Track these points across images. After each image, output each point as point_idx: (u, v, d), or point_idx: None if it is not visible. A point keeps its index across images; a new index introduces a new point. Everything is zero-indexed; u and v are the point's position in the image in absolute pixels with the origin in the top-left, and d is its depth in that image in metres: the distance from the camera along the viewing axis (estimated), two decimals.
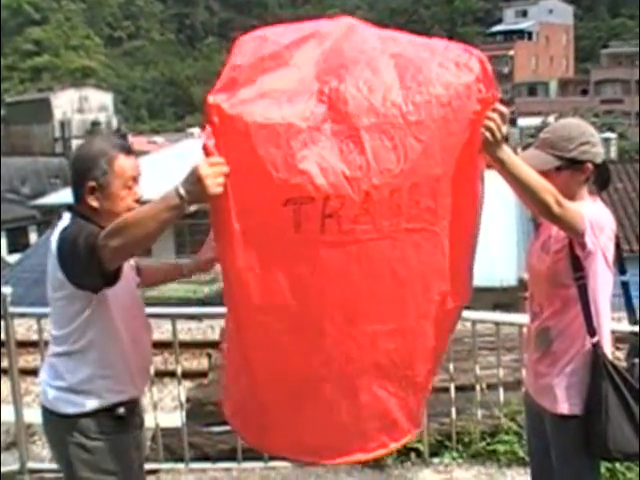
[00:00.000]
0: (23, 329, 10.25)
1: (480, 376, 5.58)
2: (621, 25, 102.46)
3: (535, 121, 51.71)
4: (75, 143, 63.30)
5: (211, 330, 13.17)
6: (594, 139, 3.38)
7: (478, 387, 5.55)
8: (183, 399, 5.72)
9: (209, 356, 8.99)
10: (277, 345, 3.03)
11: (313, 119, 2.83)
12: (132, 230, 2.89)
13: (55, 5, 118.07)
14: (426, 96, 2.90)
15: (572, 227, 3.17)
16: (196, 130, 68.79)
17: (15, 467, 5.51)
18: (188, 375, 8.66)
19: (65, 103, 77.53)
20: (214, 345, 9.55)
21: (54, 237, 3.28)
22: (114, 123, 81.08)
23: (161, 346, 10.12)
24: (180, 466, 5.48)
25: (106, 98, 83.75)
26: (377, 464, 5.31)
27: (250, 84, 2.88)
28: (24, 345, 8.38)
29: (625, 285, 3.58)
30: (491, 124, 2.93)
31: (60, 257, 3.19)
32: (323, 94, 2.88)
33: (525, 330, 5.62)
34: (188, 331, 13.08)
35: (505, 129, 2.97)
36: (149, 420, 5.56)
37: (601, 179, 3.42)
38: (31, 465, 5.40)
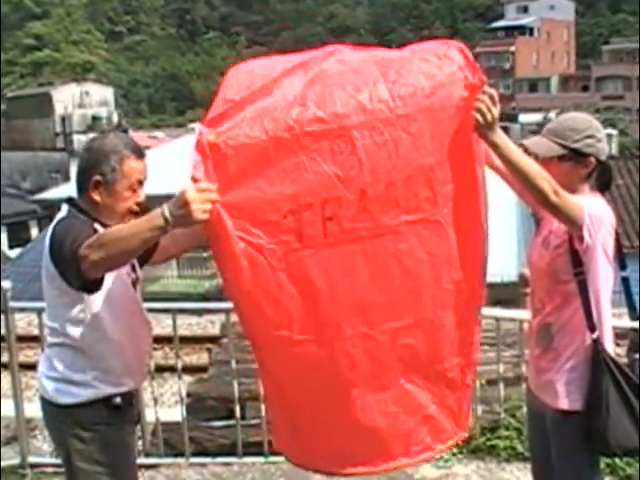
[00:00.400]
0: (23, 323, 10.24)
1: (480, 371, 5.57)
2: (622, 21, 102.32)
3: (536, 117, 51.68)
4: (76, 138, 63.45)
5: (211, 325, 13.20)
6: (600, 135, 3.36)
7: (478, 382, 5.55)
8: (183, 394, 5.73)
9: (209, 351, 9.01)
10: (300, 358, 3.05)
11: (298, 126, 2.84)
12: (113, 245, 2.91)
13: (56, 0, 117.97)
14: (411, 88, 2.93)
15: (570, 218, 3.17)
16: (197, 125, 68.59)
17: (16, 461, 5.53)
18: (188, 370, 8.66)
19: (66, 98, 77.38)
20: (214, 340, 9.55)
21: (50, 228, 3.31)
22: (115, 118, 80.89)
23: (161, 341, 10.14)
24: (180, 461, 5.49)
25: (107, 93, 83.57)
26: None
27: (237, 114, 2.88)
28: (24, 340, 8.39)
29: (625, 281, 3.57)
30: (481, 106, 2.95)
31: (50, 251, 3.21)
32: (307, 99, 2.89)
33: (526, 326, 5.64)
34: (188, 326, 13.11)
35: (496, 111, 2.98)
36: (150, 415, 5.60)
37: (603, 179, 3.41)
38: (32, 459, 5.41)
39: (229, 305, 3.98)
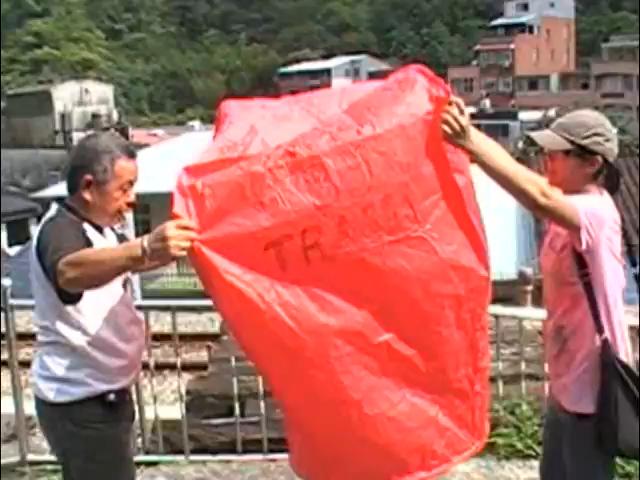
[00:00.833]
0: (23, 321, 10.23)
1: None
2: (622, 19, 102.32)
3: (536, 115, 51.67)
4: (76, 136, 63.28)
5: (211, 323, 13.22)
6: (609, 135, 3.32)
7: None
8: (183, 391, 5.74)
9: (209, 348, 9.01)
10: (306, 383, 3.08)
11: (273, 160, 2.89)
12: (90, 268, 2.95)
13: None
14: (377, 112, 2.99)
15: (564, 219, 3.15)
16: (197, 123, 68.67)
17: (15, 459, 5.53)
18: (188, 367, 8.67)
19: (66, 95, 77.40)
20: (214, 337, 9.56)
21: (38, 227, 3.34)
22: (115, 116, 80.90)
23: (161, 338, 10.18)
24: (180, 458, 5.49)
25: (107, 91, 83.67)
26: None
27: (224, 168, 2.92)
28: (24, 337, 8.37)
29: (637, 278, 3.50)
30: (447, 117, 2.97)
31: (37, 252, 3.24)
32: (280, 140, 2.94)
33: (525, 323, 5.65)
34: (188, 323, 13.12)
35: (464, 120, 2.99)
36: (149, 412, 5.60)
37: (610, 181, 3.37)
38: (31, 457, 5.41)
39: None
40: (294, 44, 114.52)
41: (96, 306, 3.31)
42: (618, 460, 4.89)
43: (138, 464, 5.47)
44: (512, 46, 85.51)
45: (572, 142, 3.27)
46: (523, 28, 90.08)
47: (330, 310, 2.99)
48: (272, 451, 5.23)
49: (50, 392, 3.37)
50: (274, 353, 3.03)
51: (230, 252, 2.86)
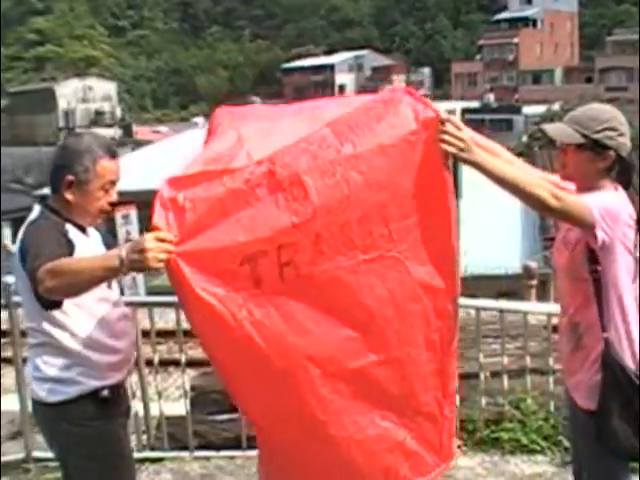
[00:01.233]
0: None
1: (484, 364, 5.59)
2: (625, 12, 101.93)
3: (540, 109, 51.47)
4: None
5: None
6: (622, 129, 3.29)
7: (482, 375, 5.56)
8: (187, 388, 5.74)
9: None
10: (273, 402, 3.10)
11: (254, 179, 2.91)
12: (68, 277, 2.96)
13: None
14: (359, 131, 3.02)
15: (577, 219, 3.12)
16: (200, 119, 68.62)
17: (20, 456, 5.55)
18: (192, 364, 8.65)
19: (69, 93, 77.50)
20: None
21: (22, 229, 3.36)
22: (118, 113, 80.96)
23: (165, 335, 10.13)
24: (185, 454, 5.51)
25: (110, 88, 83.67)
26: None
27: (207, 181, 2.95)
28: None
29: None
30: (445, 137, 2.97)
31: (20, 254, 3.26)
32: (263, 158, 2.97)
33: (530, 318, 5.64)
34: None
35: (465, 134, 3.00)
36: (154, 408, 5.61)
37: (623, 176, 3.32)
38: (36, 454, 5.42)
39: None
40: (297, 40, 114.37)
41: (80, 306, 3.31)
42: None
43: (143, 460, 5.51)
44: (516, 40, 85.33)
45: (585, 136, 3.24)
46: (527, 22, 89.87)
47: (302, 332, 3.00)
48: None
49: (43, 392, 3.39)
50: (242, 370, 3.06)
51: (206, 266, 2.88)
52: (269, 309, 2.95)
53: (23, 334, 5.55)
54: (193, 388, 6.10)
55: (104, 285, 3.40)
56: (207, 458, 5.50)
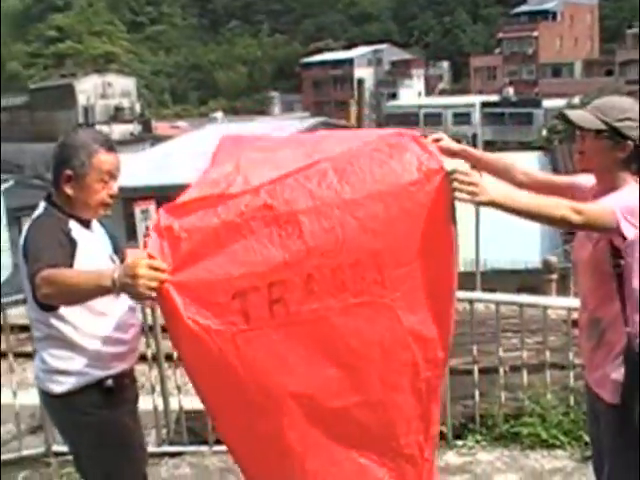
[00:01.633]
0: None
1: (504, 358, 5.57)
2: None
3: (560, 102, 51.27)
4: (99, 129, 63.53)
5: None
6: None
7: (502, 369, 5.54)
8: None
9: None
10: (251, 432, 3.15)
11: (250, 212, 2.95)
12: (63, 288, 3.02)
13: None
14: (360, 173, 3.03)
15: (602, 226, 3.10)
16: (219, 115, 68.74)
17: (41, 450, 5.58)
18: None
19: (88, 89, 77.83)
20: None
21: (26, 225, 3.42)
22: (137, 108, 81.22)
23: None
24: (204, 448, 5.51)
25: (129, 83, 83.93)
26: None
27: (203, 209, 3.00)
28: None
29: None
30: (457, 185, 2.98)
31: (22, 250, 3.33)
32: (260, 189, 3.00)
33: (550, 312, 5.61)
34: None
35: (476, 177, 3.00)
36: (173, 403, 5.63)
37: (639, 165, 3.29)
38: (56, 448, 5.44)
39: None
40: (316, 34, 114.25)
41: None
42: None
43: (162, 455, 5.52)
44: (535, 33, 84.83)
45: (605, 122, 3.22)
46: (546, 15, 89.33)
47: (287, 370, 3.04)
48: None
49: (50, 384, 3.45)
50: (226, 401, 3.11)
51: (198, 297, 2.92)
52: (256, 344, 2.99)
53: None
54: None
55: None
56: (226, 452, 5.48)
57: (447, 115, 69.56)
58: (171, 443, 5.72)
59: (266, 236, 2.94)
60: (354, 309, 3.03)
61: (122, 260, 3.71)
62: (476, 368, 5.45)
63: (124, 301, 3.56)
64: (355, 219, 2.98)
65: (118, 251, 3.72)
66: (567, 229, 3.18)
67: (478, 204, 3.04)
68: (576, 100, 44.40)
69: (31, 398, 5.68)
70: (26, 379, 6.83)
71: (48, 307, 3.27)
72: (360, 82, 20.72)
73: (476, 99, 69.55)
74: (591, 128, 3.25)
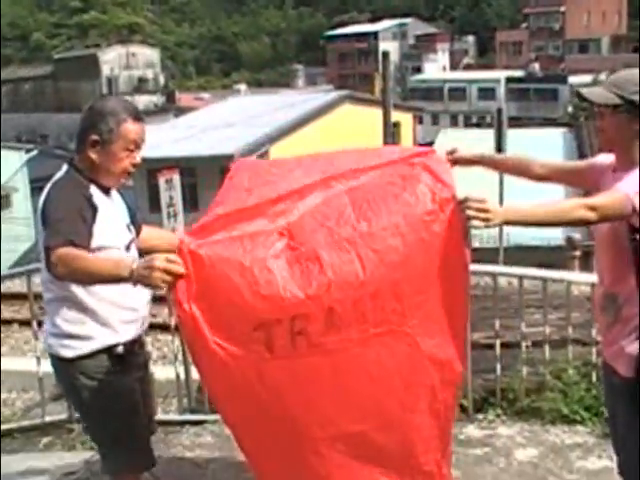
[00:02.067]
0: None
1: (526, 333, 5.56)
2: None
3: (586, 78, 50.74)
4: None
5: None
6: None
7: (524, 344, 5.54)
8: None
9: None
10: (273, 454, 3.28)
11: (274, 250, 3.06)
12: (78, 272, 3.10)
13: None
14: (376, 207, 3.14)
15: (620, 215, 3.10)
16: (243, 87, 68.64)
17: (63, 416, 5.65)
18: None
19: (112, 59, 77.79)
20: None
21: (48, 185, 3.47)
22: (161, 79, 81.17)
23: None
24: None
25: (153, 54, 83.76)
26: None
27: (222, 230, 3.13)
28: None
29: None
30: (469, 212, 3.03)
31: (41, 212, 3.37)
32: (284, 229, 3.14)
33: (573, 288, 5.60)
34: None
35: (488, 204, 3.03)
36: (195, 372, 5.65)
37: None
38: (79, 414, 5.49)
39: None
40: (341, 7, 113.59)
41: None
42: None
43: (184, 423, 5.57)
44: (562, 8, 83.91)
45: (621, 97, 3.21)
46: None
47: (309, 398, 3.14)
48: None
49: (60, 348, 3.49)
50: (249, 425, 3.23)
51: (221, 324, 3.02)
52: (279, 373, 3.09)
53: None
54: None
55: (122, 248, 3.53)
56: None
57: (472, 90, 69.10)
58: (192, 412, 5.77)
59: (289, 273, 3.03)
60: (374, 339, 3.13)
61: (137, 232, 3.75)
62: (498, 342, 5.45)
63: None
64: (374, 252, 3.08)
65: (135, 222, 3.75)
66: (587, 225, 3.19)
67: (496, 226, 3.09)
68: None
69: None
70: None
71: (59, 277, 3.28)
72: (385, 55, 20.57)
73: (501, 74, 68.95)
74: (608, 104, 3.24)
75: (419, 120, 51.11)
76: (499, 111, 17.79)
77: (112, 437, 3.58)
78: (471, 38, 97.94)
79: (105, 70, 77.24)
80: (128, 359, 3.56)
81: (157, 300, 4.26)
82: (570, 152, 31.55)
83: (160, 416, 5.59)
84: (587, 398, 5.38)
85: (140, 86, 76.26)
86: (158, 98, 73.90)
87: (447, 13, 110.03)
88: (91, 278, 3.14)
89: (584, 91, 3.35)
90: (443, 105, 69.24)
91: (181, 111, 52.99)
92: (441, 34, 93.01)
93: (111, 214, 3.49)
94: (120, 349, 3.51)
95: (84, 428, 3.77)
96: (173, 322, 5.46)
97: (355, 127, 30.13)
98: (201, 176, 25.94)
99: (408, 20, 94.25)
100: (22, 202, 31.06)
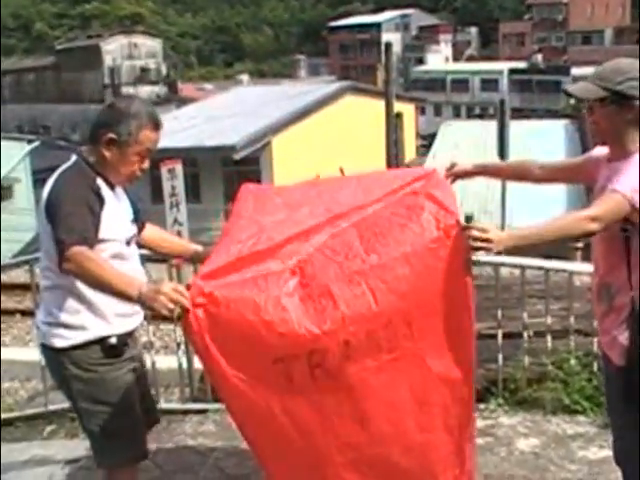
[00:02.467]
0: None
1: (528, 324, 5.57)
2: None
3: (589, 70, 50.54)
4: (125, 90, 63.62)
5: None
6: None
7: (526, 334, 5.55)
8: None
9: None
10: (297, 476, 3.37)
11: (287, 288, 3.11)
12: (89, 274, 3.13)
13: None
14: (383, 239, 3.22)
15: (621, 216, 3.13)
16: (245, 77, 68.51)
17: (66, 405, 5.63)
18: None
19: (115, 50, 77.61)
20: None
21: (55, 174, 3.45)
22: (163, 70, 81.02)
23: None
24: None
25: (155, 45, 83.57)
26: None
27: (235, 272, 3.16)
28: None
29: None
30: (472, 242, 3.09)
31: (47, 203, 3.35)
32: (295, 266, 3.21)
33: (575, 278, 5.60)
34: None
35: (490, 233, 3.08)
36: (197, 361, 5.67)
37: None
38: None
39: None
40: None
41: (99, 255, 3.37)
42: None
43: (187, 412, 5.59)
44: (565, 0, 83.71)
45: (606, 89, 3.23)
46: None
47: (330, 426, 3.21)
48: None
49: (53, 337, 3.49)
50: (274, 451, 3.31)
51: (239, 358, 3.08)
52: (300, 403, 3.16)
53: None
54: None
55: (123, 242, 3.53)
56: None
57: (474, 81, 68.96)
58: (195, 400, 5.79)
59: (302, 310, 3.08)
60: (388, 364, 3.20)
61: (140, 229, 3.75)
62: (500, 332, 5.46)
63: (134, 262, 3.62)
64: (384, 283, 3.14)
65: (138, 219, 3.76)
66: (591, 235, 3.22)
67: (501, 253, 3.19)
68: None
69: None
70: None
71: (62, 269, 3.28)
72: (388, 46, 20.52)
73: (504, 66, 68.83)
74: (595, 97, 3.26)
75: (421, 111, 51.15)
76: (502, 102, 17.75)
77: (102, 429, 3.57)
78: (474, 29, 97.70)
79: (107, 60, 77.03)
80: (120, 351, 3.56)
81: None
82: (572, 143, 31.46)
83: (163, 405, 5.63)
84: (588, 388, 5.39)
85: (142, 76, 76.11)
86: (160, 88, 73.78)
87: (450, 4, 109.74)
88: (99, 285, 3.15)
89: (570, 88, 3.39)
90: (445, 96, 69.12)
91: (183, 102, 52.90)
92: (444, 25, 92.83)
93: (116, 209, 3.50)
94: (113, 340, 3.51)
95: (78, 419, 3.75)
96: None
97: (357, 118, 30.10)
98: (203, 167, 25.92)
99: (411, 11, 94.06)
100: (24, 193, 30.99)
